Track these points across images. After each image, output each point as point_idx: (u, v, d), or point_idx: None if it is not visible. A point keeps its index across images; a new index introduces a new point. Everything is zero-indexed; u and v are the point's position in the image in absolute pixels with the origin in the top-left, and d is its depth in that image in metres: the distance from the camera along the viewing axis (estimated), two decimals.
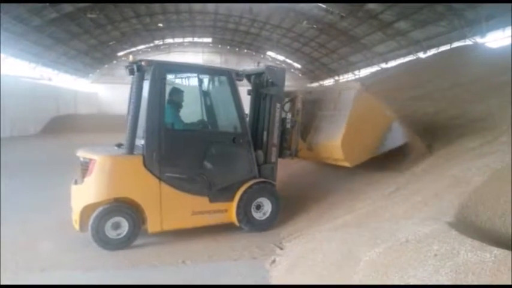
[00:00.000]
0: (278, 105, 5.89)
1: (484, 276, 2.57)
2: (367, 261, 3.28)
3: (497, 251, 2.74)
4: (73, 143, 16.04)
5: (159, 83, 5.14)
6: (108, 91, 39.11)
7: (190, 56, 37.68)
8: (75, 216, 5.07)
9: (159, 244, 5.18)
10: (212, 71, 6.29)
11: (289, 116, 6.21)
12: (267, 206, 5.74)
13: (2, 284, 4.00)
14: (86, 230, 4.98)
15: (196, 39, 38.52)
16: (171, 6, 27.21)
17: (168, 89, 5.41)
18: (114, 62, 39.00)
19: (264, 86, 5.98)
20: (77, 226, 5.07)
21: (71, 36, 26.72)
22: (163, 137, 5.13)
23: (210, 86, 6.03)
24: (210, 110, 5.97)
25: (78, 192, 5.20)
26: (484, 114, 6.45)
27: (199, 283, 4.10)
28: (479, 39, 17.76)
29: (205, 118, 5.85)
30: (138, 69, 5.13)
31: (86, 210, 4.95)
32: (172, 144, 5.21)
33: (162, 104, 5.18)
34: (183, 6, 27.51)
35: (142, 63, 5.16)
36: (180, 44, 39.08)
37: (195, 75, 5.74)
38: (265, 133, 5.92)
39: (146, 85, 5.18)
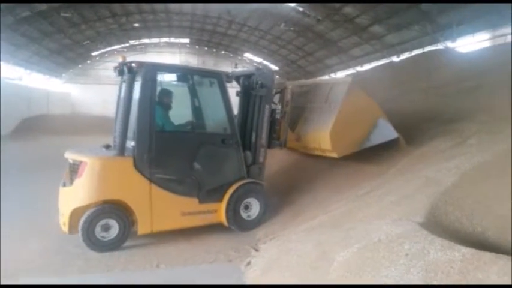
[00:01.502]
0: (267, 106, 5.99)
1: (453, 274, 2.64)
2: (340, 262, 3.33)
3: (465, 249, 2.82)
4: (48, 145, 15.65)
5: (150, 85, 5.16)
6: (81, 91, 38.30)
7: (167, 56, 37.24)
8: (64, 219, 5.02)
9: (133, 248, 5.12)
10: (203, 73, 6.34)
11: (278, 106, 6.30)
12: (255, 206, 5.83)
13: (2, 284, 3.97)
14: (75, 232, 4.94)
15: (173, 40, 38.11)
16: (147, 6, 26.85)
17: (158, 90, 5.42)
18: (88, 61, 38.19)
19: (253, 88, 6.06)
20: (65, 229, 5.01)
21: (44, 35, 26.04)
22: (154, 139, 5.14)
23: (201, 87, 6.08)
24: (200, 111, 6.02)
25: (66, 195, 5.15)
26: (454, 117, 6.63)
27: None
28: (450, 44, 18.26)
29: (195, 120, 5.92)
30: (129, 71, 5.13)
31: (76, 213, 4.90)
32: (163, 146, 5.23)
33: (153, 105, 5.19)
34: (160, 6, 27.19)
35: (133, 64, 5.14)
36: (157, 45, 38.61)
37: (186, 77, 5.86)
38: (253, 134, 6.01)
39: (136, 86, 5.18)
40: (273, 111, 6.20)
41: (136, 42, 37.37)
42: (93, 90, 36.63)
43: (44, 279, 4.18)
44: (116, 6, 25.64)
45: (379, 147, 6.31)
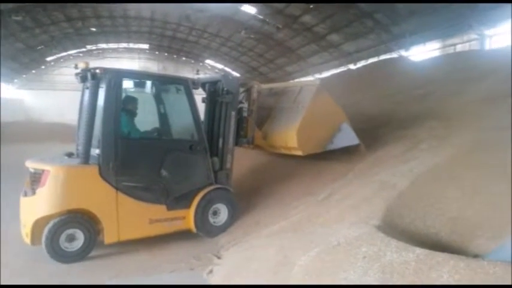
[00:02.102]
0: (233, 113, 6.04)
1: (408, 275, 2.75)
2: (301, 266, 3.37)
3: (419, 250, 2.94)
4: (3, 154, 14.86)
5: (115, 91, 5.08)
6: (35, 98, 36.78)
7: (126, 62, 36.46)
8: (27, 230, 4.84)
9: (91, 259, 4.97)
10: (169, 80, 6.34)
11: (245, 105, 6.35)
12: (224, 212, 5.86)
13: (2, 284, 3.89)
14: (38, 243, 4.78)
15: (131, 45, 37.44)
16: (104, 10, 26.25)
17: (124, 97, 5.36)
18: (43, 67, 36.79)
19: (219, 94, 6.10)
20: (28, 240, 4.85)
21: None
22: (120, 146, 5.06)
23: (167, 94, 6.07)
24: (166, 118, 6.01)
25: (29, 205, 4.98)
26: (406, 123, 6.90)
27: None
28: (403, 53, 19.03)
29: (162, 126, 5.94)
30: (92, 77, 5.02)
31: (39, 223, 4.74)
32: (129, 153, 5.17)
33: (118, 112, 5.12)
34: (118, 11, 26.62)
35: (97, 70, 5.04)
36: (115, 50, 37.72)
37: (152, 83, 5.85)
38: (220, 140, 6.05)
39: (101, 93, 5.08)
40: (240, 110, 6.27)
41: (94, 47, 36.37)
42: (48, 96, 35.29)
43: None
44: (72, 11, 24.85)
45: (338, 152, 6.47)
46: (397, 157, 5.59)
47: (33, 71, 36.89)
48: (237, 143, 6.26)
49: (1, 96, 32.29)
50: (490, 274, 2.48)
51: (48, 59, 35.37)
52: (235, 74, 37.43)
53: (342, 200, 4.81)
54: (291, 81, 23.81)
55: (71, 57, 35.31)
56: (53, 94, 34.88)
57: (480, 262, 2.66)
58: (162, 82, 6.08)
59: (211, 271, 4.38)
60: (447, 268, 2.66)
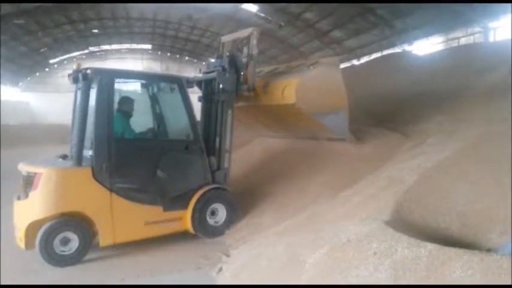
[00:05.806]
0: (229, 111, 5.93)
1: (420, 271, 2.72)
2: (311, 263, 3.35)
3: (430, 246, 2.90)
4: (10, 156, 14.90)
5: (106, 92, 5.03)
6: (41, 100, 36.96)
7: (130, 62, 36.55)
8: (20, 234, 4.78)
9: (96, 261, 4.93)
10: (162, 79, 6.27)
11: (245, 51, 6.18)
12: (222, 212, 5.76)
13: (2, 284, 3.89)
14: (32, 247, 4.71)
15: (134, 46, 37.52)
16: (107, 12, 26.30)
17: (117, 97, 5.31)
18: (47, 69, 37.00)
19: (215, 93, 6.01)
20: (22, 244, 4.79)
21: None
22: (114, 147, 5.01)
23: (161, 93, 5.99)
24: (161, 118, 5.93)
25: (22, 208, 4.92)
26: (413, 119, 6.85)
27: None
28: (407, 47, 18.95)
29: (156, 126, 5.86)
30: (84, 78, 4.96)
31: (32, 227, 4.67)
32: (123, 154, 5.10)
33: (110, 113, 5.07)
34: (120, 12, 26.68)
35: (88, 71, 4.97)
36: (118, 51, 37.85)
37: (145, 82, 5.79)
38: (217, 139, 5.95)
39: (92, 94, 5.02)
40: (238, 57, 6.06)
41: (96, 49, 36.52)
42: (53, 98, 35.46)
43: None
44: (73, 13, 24.91)
45: (339, 148, 6.40)
46: (405, 152, 5.55)
47: (37, 74, 37.14)
48: (237, 91, 5.99)
49: (2, 99, 32.44)
50: (504, 268, 2.45)
51: (52, 61, 35.63)
52: None
53: (350, 196, 4.78)
54: None
55: (74, 59, 35.46)
56: (57, 96, 35.03)
57: (494, 256, 2.63)
58: (155, 81, 6.00)
59: (220, 269, 4.36)
60: (460, 263, 2.62)
